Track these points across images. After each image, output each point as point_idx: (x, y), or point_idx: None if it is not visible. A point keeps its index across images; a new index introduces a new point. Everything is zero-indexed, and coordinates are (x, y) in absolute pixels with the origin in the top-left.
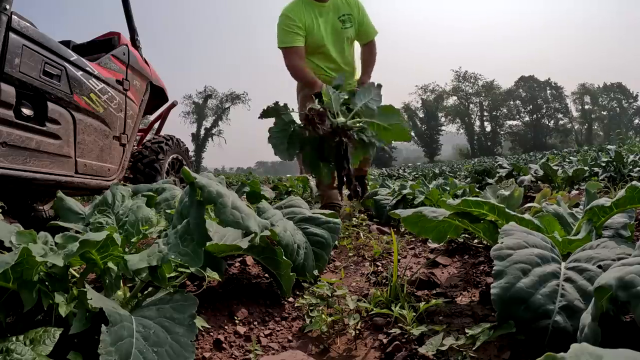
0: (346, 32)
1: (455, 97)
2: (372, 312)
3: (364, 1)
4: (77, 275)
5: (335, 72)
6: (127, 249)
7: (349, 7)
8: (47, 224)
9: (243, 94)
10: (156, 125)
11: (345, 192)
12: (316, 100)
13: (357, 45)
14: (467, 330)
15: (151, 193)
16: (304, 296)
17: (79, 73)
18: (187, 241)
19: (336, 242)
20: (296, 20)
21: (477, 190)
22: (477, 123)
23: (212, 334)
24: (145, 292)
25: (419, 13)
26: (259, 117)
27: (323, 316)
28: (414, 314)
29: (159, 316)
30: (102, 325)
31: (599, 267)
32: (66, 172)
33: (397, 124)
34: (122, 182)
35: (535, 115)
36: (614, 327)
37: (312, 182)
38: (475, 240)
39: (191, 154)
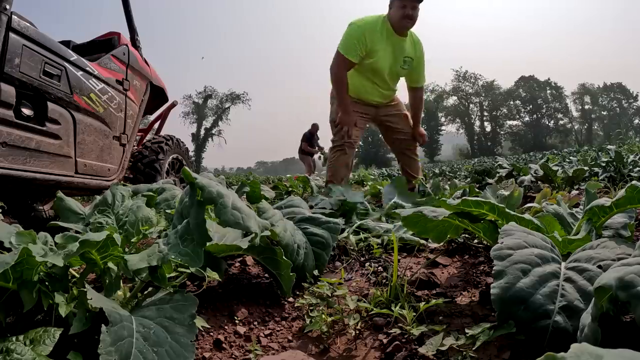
0: (402, 71)
1: (455, 97)
2: (372, 312)
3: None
4: (77, 275)
5: (381, 88)
6: (127, 249)
7: (414, 52)
8: (47, 224)
9: (243, 94)
10: (156, 125)
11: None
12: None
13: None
14: (467, 330)
15: (151, 193)
16: (304, 296)
17: (79, 73)
18: (187, 241)
19: (336, 242)
20: (367, 41)
21: (477, 190)
22: (477, 123)
23: (212, 334)
24: (145, 292)
25: (419, 12)
26: None
27: (323, 316)
28: (414, 314)
29: (159, 316)
30: (102, 325)
31: (599, 267)
32: (66, 172)
33: None
34: (122, 182)
35: (535, 115)
36: (614, 327)
37: (313, 182)
38: (475, 240)
39: (191, 154)
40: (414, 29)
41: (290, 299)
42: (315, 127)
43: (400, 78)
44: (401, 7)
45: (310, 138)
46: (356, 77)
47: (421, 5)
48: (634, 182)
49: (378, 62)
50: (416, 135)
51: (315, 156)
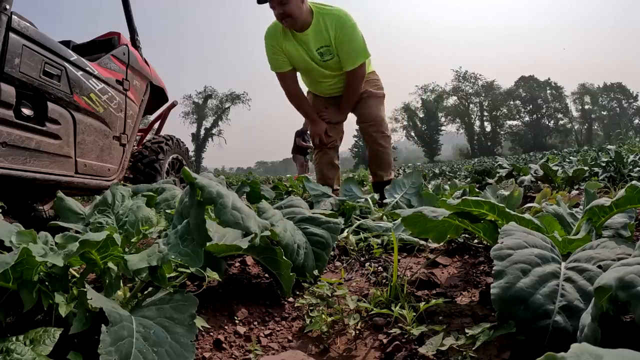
0: (327, 63)
1: (455, 97)
2: (372, 312)
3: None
4: (77, 275)
5: (326, 84)
6: (127, 249)
7: (328, 38)
8: (47, 224)
9: (243, 94)
10: (156, 125)
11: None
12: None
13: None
14: (467, 330)
15: (151, 193)
16: (304, 296)
17: (79, 73)
18: (187, 241)
19: (336, 242)
20: (277, 48)
21: (477, 190)
22: (477, 123)
23: (212, 334)
24: (145, 292)
25: (420, 13)
26: None
27: (323, 316)
28: (414, 314)
29: (159, 316)
30: (102, 325)
31: (599, 267)
32: (66, 172)
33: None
34: (122, 182)
35: (535, 115)
36: (614, 327)
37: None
38: (475, 240)
39: (191, 154)
40: (344, 6)
41: (290, 299)
42: (306, 126)
43: (338, 65)
44: (271, 8)
45: (302, 134)
46: (305, 79)
47: (421, 5)
48: (633, 182)
49: (296, 63)
50: (324, 115)
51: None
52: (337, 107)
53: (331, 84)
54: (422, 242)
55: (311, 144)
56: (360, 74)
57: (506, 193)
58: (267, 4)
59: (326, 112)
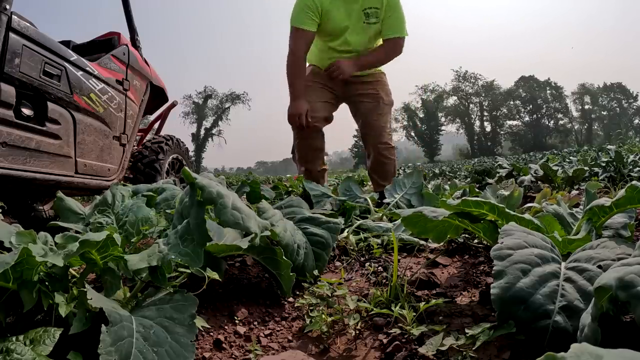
0: (369, 27)
1: (455, 97)
2: (372, 312)
3: None
4: (77, 275)
5: (345, 54)
6: (127, 249)
7: (378, 1)
8: (47, 224)
9: (243, 94)
10: (156, 125)
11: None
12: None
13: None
14: (467, 330)
15: (151, 193)
16: (304, 296)
17: (79, 73)
18: (187, 241)
19: (336, 242)
20: (316, 3)
21: (477, 190)
22: (477, 123)
23: (212, 334)
24: (145, 292)
25: (419, 13)
26: None
27: (323, 316)
28: (414, 314)
29: (159, 316)
30: (102, 325)
31: (599, 267)
32: (66, 172)
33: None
34: (122, 182)
35: (535, 115)
36: (614, 327)
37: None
38: (475, 240)
39: (191, 154)
40: None
41: (290, 299)
42: None
43: (373, 35)
44: None
45: None
46: (322, 48)
47: (421, 5)
48: (634, 182)
49: (330, 23)
50: (334, 66)
51: None
52: (341, 85)
53: (365, 49)
54: (422, 242)
55: None
56: (398, 47)
57: (506, 193)
58: None
59: (339, 62)
